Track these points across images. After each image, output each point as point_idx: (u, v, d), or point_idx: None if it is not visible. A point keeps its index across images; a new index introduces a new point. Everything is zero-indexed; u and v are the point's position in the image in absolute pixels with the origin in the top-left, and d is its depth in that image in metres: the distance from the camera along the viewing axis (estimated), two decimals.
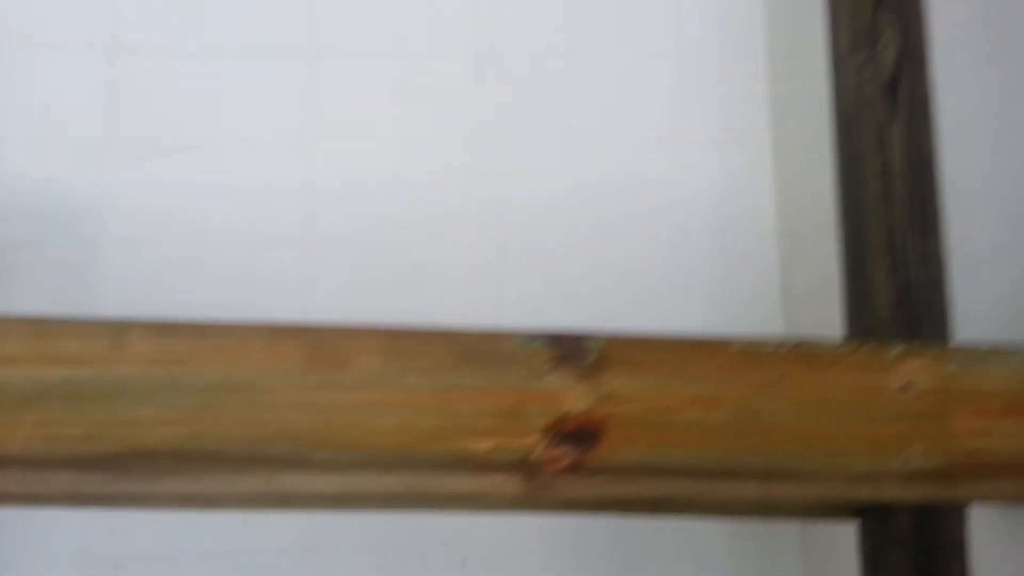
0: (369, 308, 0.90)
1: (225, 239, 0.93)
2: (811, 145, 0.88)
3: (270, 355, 0.61)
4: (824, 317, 0.85)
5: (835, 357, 0.69)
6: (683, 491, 0.66)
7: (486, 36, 1.00)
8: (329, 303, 0.90)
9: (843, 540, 0.80)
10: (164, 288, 0.94)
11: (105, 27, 0.99)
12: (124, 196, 0.96)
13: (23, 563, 0.85)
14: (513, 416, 0.63)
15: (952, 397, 0.69)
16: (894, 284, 0.71)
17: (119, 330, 0.59)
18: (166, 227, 0.95)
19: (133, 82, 0.99)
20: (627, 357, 0.66)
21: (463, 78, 0.99)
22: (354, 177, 0.95)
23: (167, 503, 0.58)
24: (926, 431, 0.68)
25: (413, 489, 0.61)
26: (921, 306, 0.71)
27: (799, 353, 0.69)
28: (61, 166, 0.97)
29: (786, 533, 0.93)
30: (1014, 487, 0.70)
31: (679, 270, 0.97)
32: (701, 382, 0.67)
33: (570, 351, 0.66)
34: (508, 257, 0.93)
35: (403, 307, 0.89)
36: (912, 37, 0.70)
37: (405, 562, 0.86)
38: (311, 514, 0.71)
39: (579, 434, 0.64)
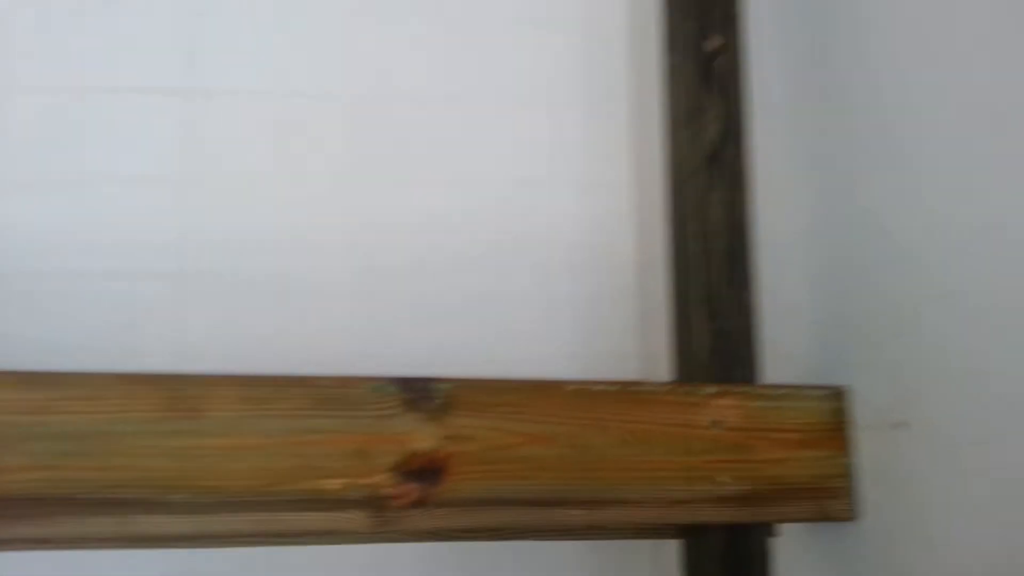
0: (240, 348, 0.94)
1: (98, 276, 0.94)
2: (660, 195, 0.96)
3: (127, 403, 0.65)
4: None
5: (656, 396, 0.78)
6: (519, 519, 0.73)
7: (366, 80, 1.04)
8: (201, 344, 0.93)
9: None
10: (35, 323, 0.94)
11: None
12: (7, 232, 0.96)
13: None
14: (362, 456, 0.69)
15: (756, 431, 0.79)
16: (712, 331, 0.80)
17: None
18: (38, 263, 0.95)
19: (15, 121, 0.98)
20: (472, 399, 0.73)
21: (340, 120, 1.03)
22: (229, 216, 0.98)
23: (23, 546, 0.61)
24: (734, 461, 0.78)
25: (268, 527, 0.65)
26: (734, 350, 0.81)
27: (626, 392, 0.78)
28: None
29: (639, 548, 1.01)
30: (810, 508, 0.80)
31: (543, 302, 1.04)
32: (538, 421, 0.74)
33: (419, 394, 0.72)
34: (375, 296, 0.98)
35: (271, 346, 0.93)
36: (734, 114, 0.79)
37: None
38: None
39: (424, 471, 0.70)
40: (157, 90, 1.01)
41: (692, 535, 0.83)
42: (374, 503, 0.68)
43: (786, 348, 0.84)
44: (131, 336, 0.91)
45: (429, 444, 0.71)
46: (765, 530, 0.83)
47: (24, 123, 0.96)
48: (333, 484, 0.68)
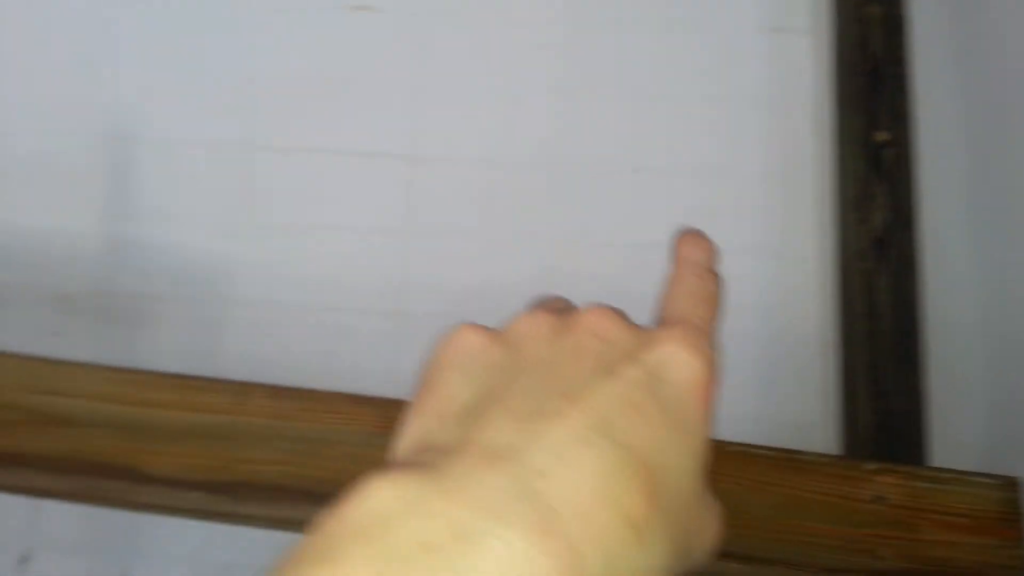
0: None
1: (330, 309, 1.12)
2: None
3: (351, 419, 0.78)
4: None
5: (817, 466, 0.81)
6: None
7: (563, 149, 1.17)
8: (412, 372, 1.07)
9: None
10: (278, 345, 1.13)
11: (242, 130, 1.22)
12: (250, 265, 1.17)
13: (147, 564, 1.04)
14: None
15: (922, 511, 0.80)
16: (877, 409, 0.83)
17: (243, 389, 0.78)
18: (282, 294, 1.15)
19: (263, 175, 1.20)
20: None
21: (544, 185, 1.16)
22: (442, 266, 1.14)
23: (271, 524, 0.76)
24: (897, 537, 0.79)
25: None
26: (901, 431, 0.83)
27: (788, 458, 0.82)
28: (201, 239, 1.19)
29: None
30: None
31: (731, 367, 1.09)
32: None
33: None
34: None
35: None
36: (903, 201, 0.83)
37: None
38: None
39: None
40: (386, 155, 1.20)
41: None
42: None
43: (957, 433, 0.84)
44: (353, 361, 1.08)
45: None
46: None
47: (271, 177, 1.18)
48: None
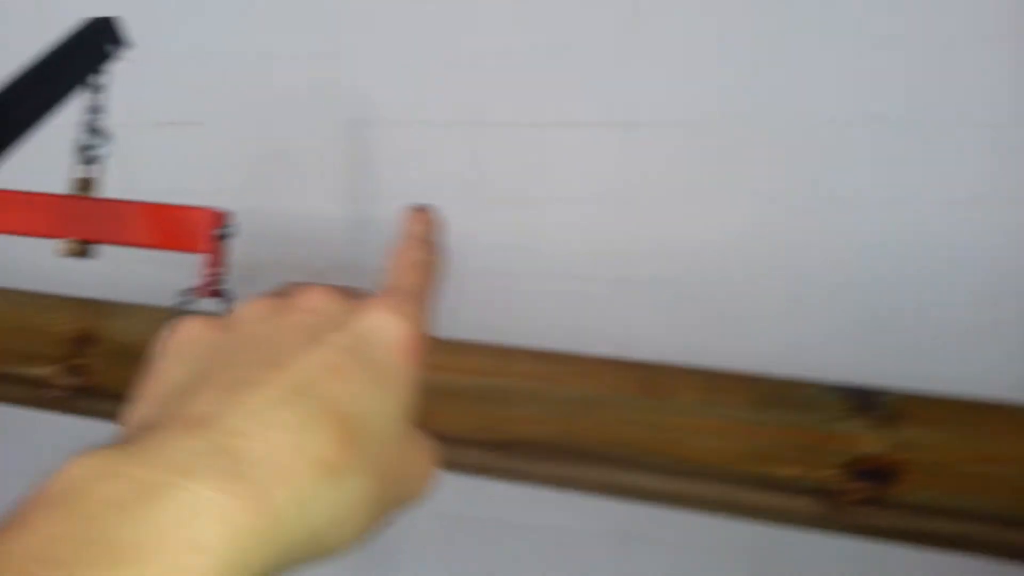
0: (674, 345, 1.06)
1: (558, 278, 1.13)
2: None
3: (614, 382, 0.79)
4: None
5: None
6: (970, 532, 0.73)
7: (791, 103, 1.11)
8: (643, 338, 1.07)
9: None
10: (510, 313, 1.16)
11: (470, 110, 1.25)
12: (481, 238, 1.20)
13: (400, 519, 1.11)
14: (812, 451, 0.75)
15: None
16: None
17: (507, 352, 0.80)
18: (514, 263, 1.18)
19: (489, 150, 1.23)
20: (919, 411, 0.75)
21: (767, 144, 1.11)
22: (666, 231, 1.12)
23: (539, 481, 0.77)
24: None
25: (726, 498, 0.74)
26: None
27: None
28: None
29: None
30: None
31: (983, 323, 1.00)
32: (988, 439, 0.74)
33: (864, 402, 0.76)
34: (807, 307, 1.03)
35: (704, 346, 1.03)
36: None
37: (704, 563, 0.99)
38: (639, 506, 0.86)
39: (874, 473, 0.74)
40: (599, 124, 1.19)
41: None
42: (825, 494, 0.74)
43: None
44: (582, 328, 1.08)
45: (877, 449, 0.74)
46: None
47: (494, 151, 1.20)
48: (786, 471, 0.74)
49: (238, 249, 0.87)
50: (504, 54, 1.24)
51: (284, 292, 0.29)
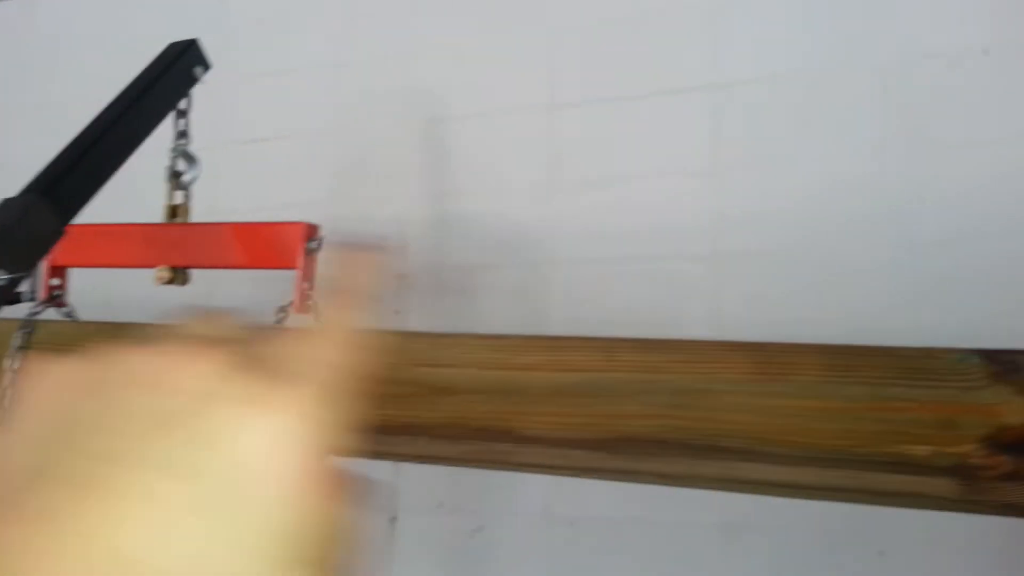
0: (783, 321, 1.00)
1: (645, 258, 1.09)
2: None
3: (724, 366, 0.74)
4: None
5: None
6: None
7: (893, 44, 1.03)
8: (748, 317, 1.02)
9: None
10: (598, 301, 1.13)
11: (543, 92, 1.21)
12: (565, 225, 1.17)
13: (500, 518, 1.10)
14: (948, 426, 0.69)
15: None
16: None
17: (610, 346, 0.77)
18: (599, 250, 1.14)
19: (567, 132, 1.19)
20: None
21: (868, 90, 1.03)
22: (758, 200, 1.06)
23: (647, 479, 0.74)
24: None
25: (855, 484, 0.69)
26: None
27: None
28: (514, 204, 1.21)
29: None
30: None
31: None
32: None
33: (1006, 367, 0.69)
34: (924, 272, 0.96)
35: (816, 318, 0.97)
36: None
37: (820, 550, 0.94)
38: (756, 496, 0.82)
39: (1017, 445, 0.67)
40: (684, 90, 1.13)
41: None
42: (962, 471, 0.68)
43: None
44: (676, 308, 1.04)
45: (1021, 418, 0.68)
46: None
47: (570, 131, 1.16)
48: (919, 450, 0.69)
49: (324, 261, 0.87)
50: (576, 30, 1.20)
51: (172, 347, 0.23)
